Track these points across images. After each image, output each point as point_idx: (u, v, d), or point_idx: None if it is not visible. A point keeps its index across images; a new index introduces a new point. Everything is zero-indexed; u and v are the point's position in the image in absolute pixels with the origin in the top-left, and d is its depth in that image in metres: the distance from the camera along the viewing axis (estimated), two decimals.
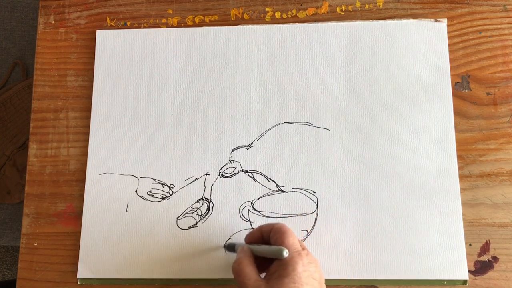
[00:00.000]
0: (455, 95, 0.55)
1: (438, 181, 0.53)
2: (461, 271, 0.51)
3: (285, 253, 0.41)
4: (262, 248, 0.45)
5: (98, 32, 0.59)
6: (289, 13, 0.59)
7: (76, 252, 0.54)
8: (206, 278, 0.53)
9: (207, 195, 0.54)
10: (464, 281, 0.51)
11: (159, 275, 0.53)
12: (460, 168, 0.53)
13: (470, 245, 0.52)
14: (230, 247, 0.51)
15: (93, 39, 0.60)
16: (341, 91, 0.56)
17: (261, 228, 0.47)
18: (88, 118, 0.58)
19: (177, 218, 0.54)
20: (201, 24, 0.59)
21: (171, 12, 0.60)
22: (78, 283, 0.54)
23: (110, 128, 0.57)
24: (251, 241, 0.48)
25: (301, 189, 0.54)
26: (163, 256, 0.53)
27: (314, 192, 0.54)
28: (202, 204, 0.54)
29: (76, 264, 0.54)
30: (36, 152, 0.57)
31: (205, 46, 0.58)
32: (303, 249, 0.44)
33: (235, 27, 0.58)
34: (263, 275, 0.45)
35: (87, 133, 0.57)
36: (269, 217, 0.53)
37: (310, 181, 0.54)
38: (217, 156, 0.55)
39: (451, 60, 0.56)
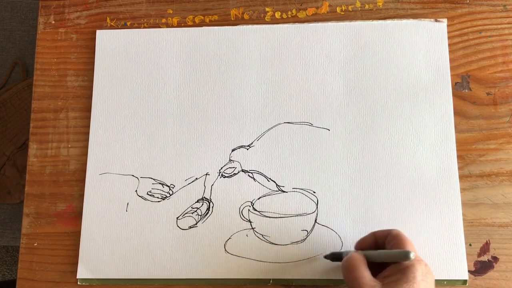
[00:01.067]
0: (455, 95, 0.55)
1: (438, 181, 0.53)
2: (461, 271, 0.51)
3: (412, 255, 0.41)
4: (381, 253, 0.44)
5: (98, 32, 0.59)
6: (289, 13, 0.59)
7: (76, 252, 0.54)
8: (206, 278, 0.53)
9: (207, 195, 0.54)
10: (464, 281, 0.51)
11: (159, 275, 0.53)
12: (460, 168, 0.53)
13: (470, 245, 0.52)
14: (336, 257, 0.49)
15: (93, 39, 0.60)
16: (341, 91, 0.56)
17: (374, 233, 0.46)
18: (88, 118, 0.58)
19: (177, 218, 0.54)
20: (201, 24, 0.59)
21: (171, 12, 0.60)
22: (78, 283, 0.54)
23: (110, 128, 0.57)
24: (362, 248, 0.47)
25: (301, 189, 0.54)
26: (163, 256, 0.53)
27: (314, 192, 0.54)
28: (202, 204, 0.54)
29: (76, 264, 0.54)
30: (36, 152, 0.57)
31: (205, 46, 0.58)
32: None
33: (235, 27, 0.58)
34: None
35: (87, 133, 0.57)
36: (269, 217, 0.53)
37: (310, 181, 0.54)
38: (217, 156, 0.55)
39: (451, 60, 0.56)
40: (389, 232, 0.45)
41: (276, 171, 0.54)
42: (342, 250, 0.51)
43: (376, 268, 0.44)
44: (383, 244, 0.45)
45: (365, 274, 0.42)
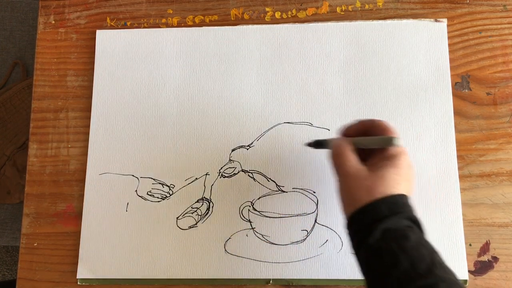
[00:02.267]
0: (455, 95, 0.55)
1: (438, 181, 0.53)
2: (461, 271, 0.51)
3: (396, 141, 0.41)
4: (366, 138, 0.44)
5: (98, 32, 0.59)
6: (289, 13, 0.59)
7: (76, 252, 0.54)
8: (206, 278, 0.53)
9: (207, 195, 0.54)
10: (464, 281, 0.51)
11: (159, 275, 0.53)
12: (460, 168, 0.53)
13: (470, 245, 0.52)
14: (319, 144, 0.49)
15: (93, 39, 0.60)
16: (341, 91, 0.56)
17: (361, 121, 0.46)
18: (88, 118, 0.58)
19: (177, 218, 0.54)
20: (201, 24, 0.59)
21: (171, 12, 0.60)
22: (78, 283, 0.54)
23: (110, 128, 0.57)
24: (348, 134, 0.47)
25: (301, 189, 0.54)
26: (163, 256, 0.53)
27: (314, 192, 0.54)
28: (202, 204, 0.54)
29: (76, 264, 0.54)
30: (36, 152, 0.57)
31: (205, 46, 0.58)
32: None
33: (235, 27, 0.58)
34: None
35: (87, 133, 0.57)
36: (269, 217, 0.53)
37: (310, 181, 0.54)
38: (217, 156, 0.55)
39: (451, 60, 0.56)
40: (373, 121, 0.45)
41: (276, 171, 0.54)
42: (324, 138, 0.49)
43: (365, 158, 0.45)
44: (370, 133, 0.45)
45: (352, 158, 0.43)
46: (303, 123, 0.55)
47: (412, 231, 0.38)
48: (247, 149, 0.55)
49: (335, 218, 0.53)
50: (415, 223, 0.40)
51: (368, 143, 0.44)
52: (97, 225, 0.55)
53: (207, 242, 0.53)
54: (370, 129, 0.45)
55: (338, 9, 0.58)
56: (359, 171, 0.41)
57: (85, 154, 0.57)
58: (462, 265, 0.51)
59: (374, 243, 0.38)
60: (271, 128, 0.56)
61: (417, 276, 0.36)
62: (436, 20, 0.56)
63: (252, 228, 0.53)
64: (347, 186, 0.42)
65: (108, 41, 0.59)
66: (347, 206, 0.42)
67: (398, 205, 0.40)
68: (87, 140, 0.57)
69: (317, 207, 0.53)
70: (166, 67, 0.58)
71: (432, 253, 0.37)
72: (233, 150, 0.55)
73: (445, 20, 0.56)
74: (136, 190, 0.55)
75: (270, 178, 0.54)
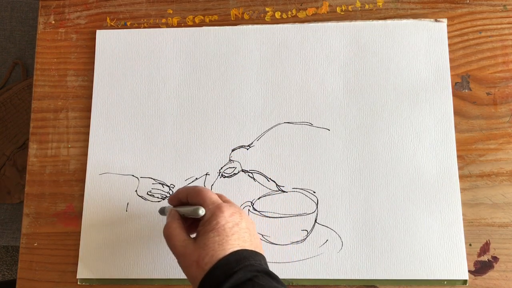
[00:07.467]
0: (455, 95, 0.55)
1: (438, 181, 0.53)
2: (461, 271, 0.51)
3: (201, 212, 0.42)
4: (184, 209, 0.45)
5: (98, 32, 0.59)
6: (289, 13, 0.59)
7: (76, 252, 0.54)
8: None
9: None
10: (464, 281, 0.51)
11: (159, 275, 0.53)
12: (460, 168, 0.53)
13: (470, 245, 0.52)
14: (162, 211, 0.51)
15: (93, 39, 0.60)
16: (341, 91, 0.56)
17: (177, 194, 0.47)
18: (88, 118, 0.58)
19: None
20: (201, 24, 0.59)
21: (171, 12, 0.60)
22: (78, 283, 0.54)
23: (110, 128, 0.57)
24: (175, 204, 0.48)
25: (301, 189, 0.54)
26: (163, 256, 0.53)
27: (314, 192, 0.54)
28: None
29: (76, 264, 0.54)
30: (36, 152, 0.57)
31: (205, 46, 0.58)
32: (225, 201, 0.45)
33: (235, 27, 0.58)
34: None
35: (87, 133, 0.57)
36: (269, 217, 0.53)
37: (310, 181, 0.54)
38: (217, 156, 0.55)
39: (451, 60, 0.56)
40: (188, 191, 0.46)
41: (276, 171, 0.54)
42: (165, 206, 0.51)
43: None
44: (187, 202, 0.46)
45: (179, 236, 0.43)
46: (303, 123, 0.55)
47: (253, 285, 0.38)
48: (247, 149, 0.55)
49: (335, 218, 0.53)
50: (260, 272, 0.39)
51: (185, 213, 0.45)
52: (97, 225, 0.55)
53: None
54: (188, 199, 0.46)
55: (338, 9, 0.58)
56: (186, 247, 0.42)
57: (85, 154, 0.57)
58: (462, 265, 0.51)
59: None
60: (271, 128, 0.56)
61: None
62: (436, 20, 0.56)
63: None
64: (182, 266, 0.43)
65: (108, 41, 0.59)
66: (191, 283, 0.42)
67: (232, 265, 0.39)
68: (87, 140, 0.57)
69: (317, 207, 0.53)
70: (166, 67, 0.58)
71: None
72: (233, 150, 0.55)
73: (445, 20, 0.57)
74: (136, 190, 0.55)
75: (270, 178, 0.54)
